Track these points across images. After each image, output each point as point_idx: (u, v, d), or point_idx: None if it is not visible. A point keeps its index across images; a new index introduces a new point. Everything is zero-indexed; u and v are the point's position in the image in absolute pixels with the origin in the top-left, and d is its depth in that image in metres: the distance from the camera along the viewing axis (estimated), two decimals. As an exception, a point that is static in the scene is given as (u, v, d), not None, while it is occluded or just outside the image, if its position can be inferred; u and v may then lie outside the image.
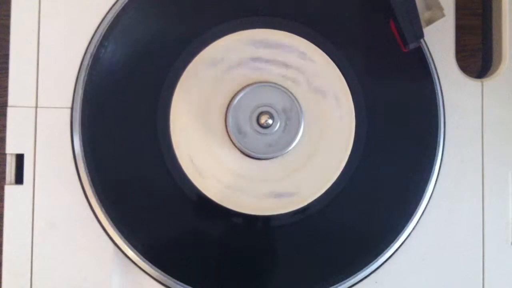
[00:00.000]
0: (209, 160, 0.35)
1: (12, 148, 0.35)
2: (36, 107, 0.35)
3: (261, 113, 0.35)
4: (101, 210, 0.35)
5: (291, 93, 0.35)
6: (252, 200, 0.35)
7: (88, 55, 0.35)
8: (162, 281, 0.35)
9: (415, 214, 0.36)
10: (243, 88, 0.35)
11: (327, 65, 0.36)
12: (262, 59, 0.36)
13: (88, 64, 0.35)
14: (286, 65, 0.36)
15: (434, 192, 0.37)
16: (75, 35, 0.36)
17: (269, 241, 0.36)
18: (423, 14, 0.36)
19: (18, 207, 0.35)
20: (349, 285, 0.36)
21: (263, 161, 0.35)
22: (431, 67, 0.37)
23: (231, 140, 0.35)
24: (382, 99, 0.37)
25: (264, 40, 0.36)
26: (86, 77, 0.35)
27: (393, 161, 0.36)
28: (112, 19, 0.35)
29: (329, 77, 0.36)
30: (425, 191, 0.36)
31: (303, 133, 0.35)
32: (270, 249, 0.36)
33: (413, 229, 0.36)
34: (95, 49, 0.35)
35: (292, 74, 0.36)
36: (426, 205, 0.36)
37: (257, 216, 0.35)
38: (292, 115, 0.35)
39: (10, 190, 0.35)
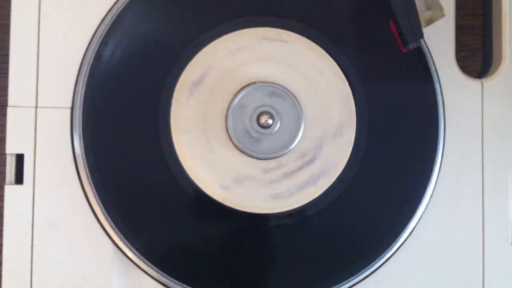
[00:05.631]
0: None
1: (12, 148, 0.35)
2: (36, 107, 0.35)
3: (261, 113, 0.35)
4: (101, 210, 0.35)
5: (291, 93, 0.35)
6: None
7: (88, 55, 0.35)
8: (162, 281, 0.35)
9: (415, 214, 0.36)
10: (243, 88, 0.35)
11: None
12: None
13: (88, 64, 0.35)
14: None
15: (434, 192, 0.37)
16: (75, 35, 0.36)
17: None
18: (423, 14, 0.36)
19: (18, 207, 0.35)
20: (349, 285, 0.36)
21: (263, 161, 0.35)
22: (431, 67, 0.37)
23: (231, 140, 0.35)
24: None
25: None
26: (86, 77, 0.35)
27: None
28: (112, 19, 0.35)
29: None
30: (425, 191, 0.36)
31: (303, 133, 0.35)
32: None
33: (413, 229, 0.36)
34: (95, 49, 0.35)
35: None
36: (426, 205, 0.37)
37: (258, 216, 0.35)
38: (292, 115, 0.35)
39: (10, 190, 0.35)
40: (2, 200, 0.36)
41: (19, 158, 0.35)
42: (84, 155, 0.35)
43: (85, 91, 0.35)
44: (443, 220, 0.37)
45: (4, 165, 0.35)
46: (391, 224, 0.36)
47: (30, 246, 0.35)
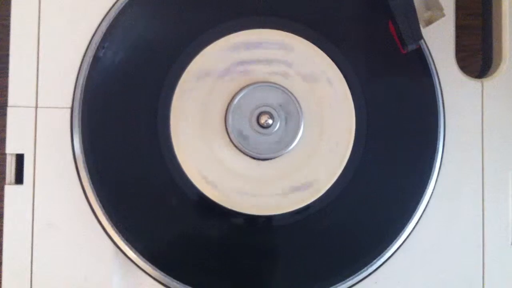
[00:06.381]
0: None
1: (12, 148, 0.35)
2: (36, 107, 0.35)
3: (261, 113, 0.35)
4: (101, 210, 0.35)
5: (291, 93, 0.35)
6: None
7: (88, 55, 0.35)
8: (162, 281, 0.35)
9: (415, 214, 0.36)
10: (243, 88, 0.35)
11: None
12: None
13: (88, 64, 0.35)
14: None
15: (434, 192, 0.37)
16: (75, 35, 0.36)
17: (269, 241, 0.36)
18: (423, 14, 0.36)
19: (18, 207, 0.35)
20: (349, 285, 0.36)
21: (263, 161, 0.35)
22: (431, 67, 0.37)
23: (231, 140, 0.35)
24: (382, 99, 0.37)
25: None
26: (86, 77, 0.35)
27: (393, 161, 0.36)
28: (112, 19, 0.35)
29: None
30: (425, 191, 0.36)
31: (303, 133, 0.35)
32: (270, 249, 0.36)
33: (413, 229, 0.36)
34: (95, 49, 0.35)
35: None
36: (426, 205, 0.36)
37: (257, 216, 0.35)
38: (292, 115, 0.35)
39: (10, 190, 0.35)
40: (2, 200, 0.36)
41: (19, 158, 0.35)
42: (84, 155, 0.35)
43: (85, 91, 0.35)
44: (443, 220, 0.37)
45: (4, 165, 0.35)
46: (391, 224, 0.36)
47: (30, 246, 0.35)
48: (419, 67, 0.37)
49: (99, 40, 0.35)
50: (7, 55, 0.35)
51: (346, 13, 0.37)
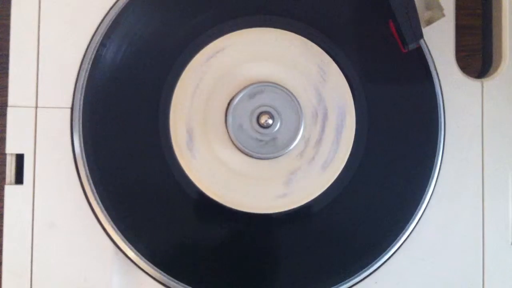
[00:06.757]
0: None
1: (12, 148, 0.35)
2: (36, 107, 0.35)
3: (261, 113, 0.35)
4: (101, 210, 0.35)
5: (291, 93, 0.35)
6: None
7: (88, 55, 0.35)
8: (162, 281, 0.35)
9: (415, 214, 0.36)
10: (243, 88, 0.35)
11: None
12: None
13: (88, 64, 0.35)
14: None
15: (434, 192, 0.37)
16: (75, 35, 0.36)
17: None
18: (423, 14, 0.36)
19: (18, 207, 0.35)
20: (349, 285, 0.36)
21: (263, 161, 0.35)
22: (431, 67, 0.37)
23: (231, 140, 0.35)
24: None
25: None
26: (86, 77, 0.35)
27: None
28: (112, 19, 0.35)
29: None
30: (425, 191, 0.36)
31: (303, 133, 0.35)
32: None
33: (413, 229, 0.36)
34: (95, 49, 0.35)
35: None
36: (426, 205, 0.37)
37: (257, 215, 0.35)
38: (292, 115, 0.35)
39: (10, 190, 0.35)
40: (2, 200, 0.36)
41: (19, 158, 0.35)
42: (84, 155, 0.35)
43: (85, 91, 0.35)
44: (443, 220, 0.37)
45: (4, 165, 0.35)
46: (391, 224, 0.36)
47: (30, 246, 0.35)
48: (419, 67, 0.37)
49: (99, 40, 0.35)
50: (7, 55, 0.35)
51: (346, 12, 0.37)
